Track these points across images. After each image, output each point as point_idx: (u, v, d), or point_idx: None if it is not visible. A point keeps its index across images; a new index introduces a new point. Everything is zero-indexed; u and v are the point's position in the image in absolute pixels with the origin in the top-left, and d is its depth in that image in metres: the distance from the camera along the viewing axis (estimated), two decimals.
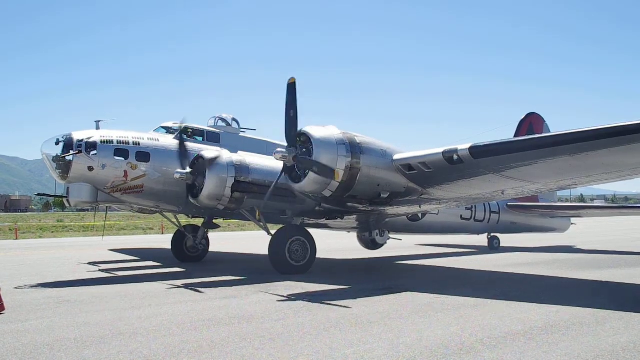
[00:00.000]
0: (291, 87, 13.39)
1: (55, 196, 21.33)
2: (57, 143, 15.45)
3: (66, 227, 48.71)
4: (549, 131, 23.75)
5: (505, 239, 24.98)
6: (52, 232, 43.71)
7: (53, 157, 15.40)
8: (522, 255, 21.48)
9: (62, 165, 15.26)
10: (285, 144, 13.83)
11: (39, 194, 25.77)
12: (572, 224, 26.83)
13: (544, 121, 25.53)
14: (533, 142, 12.04)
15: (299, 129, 13.61)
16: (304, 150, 13.51)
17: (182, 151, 15.86)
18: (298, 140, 13.59)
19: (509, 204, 23.42)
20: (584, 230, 35.90)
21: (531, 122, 25.00)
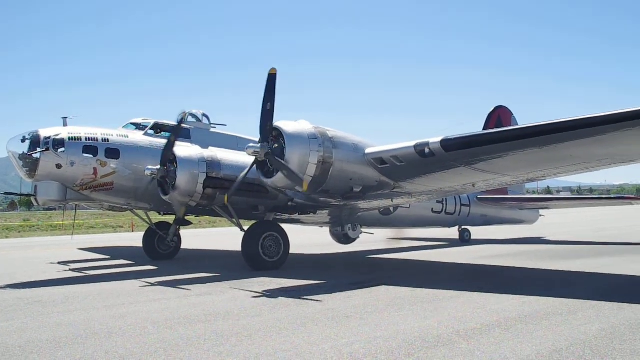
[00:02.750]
0: (271, 78, 13.21)
1: (22, 195, 20.98)
2: (24, 140, 15.20)
3: (33, 226, 47.93)
4: (517, 124, 24.01)
5: (476, 231, 25.23)
6: (19, 231, 43.00)
7: (19, 154, 15.13)
8: (492, 247, 21.73)
9: (29, 163, 15.00)
10: (257, 139, 13.75)
11: (5, 193, 25.27)
12: (540, 215, 27.21)
13: (512, 114, 25.83)
14: (504, 134, 12.13)
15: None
16: (276, 145, 13.45)
17: (169, 145, 15.42)
18: (270, 135, 13.52)
19: (479, 196, 23.65)
20: (552, 222, 36.44)
21: (499, 115, 25.27)
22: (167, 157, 15.23)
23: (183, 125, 17.50)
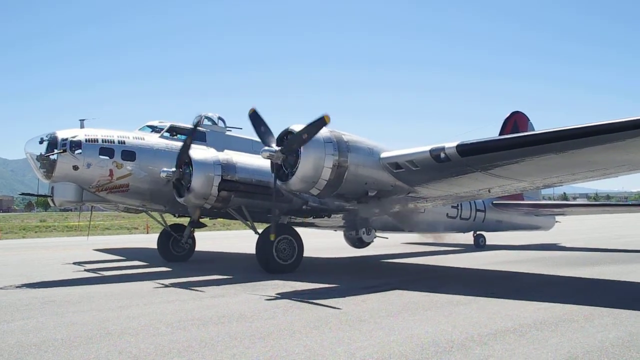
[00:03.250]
0: (253, 116, 13.80)
1: (39, 195, 21.12)
2: (41, 142, 15.35)
3: (49, 227, 48.29)
4: (534, 129, 23.86)
5: (491, 237, 25.06)
6: (36, 232, 43.33)
7: (37, 156, 15.29)
8: (507, 253, 21.58)
9: (47, 165, 15.15)
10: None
11: (22, 194, 25.46)
12: (556, 221, 27.00)
13: (529, 120, 25.67)
14: (520, 140, 12.07)
15: (285, 127, 13.55)
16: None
17: (185, 148, 15.46)
18: (285, 139, 13.51)
19: (494, 202, 23.52)
20: (568, 228, 36.15)
21: (516, 121, 25.13)
22: (183, 159, 15.29)
23: (199, 128, 17.56)
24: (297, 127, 13.36)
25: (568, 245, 25.50)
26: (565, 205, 30.35)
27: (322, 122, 12.73)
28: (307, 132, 12.90)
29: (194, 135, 15.75)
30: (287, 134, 13.44)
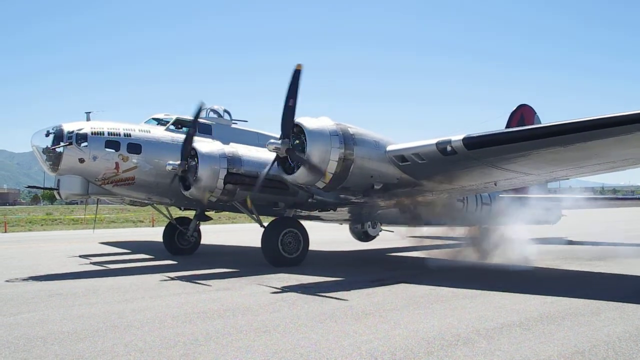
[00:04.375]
0: (296, 74, 13.12)
1: (45, 188, 21.22)
2: (47, 135, 15.37)
3: (55, 220, 48.45)
4: (540, 123, 23.76)
5: None
6: (42, 225, 43.45)
7: (43, 149, 15.31)
8: None
9: (53, 157, 15.17)
10: (277, 135, 13.76)
11: (28, 187, 25.61)
12: (563, 215, 26.89)
13: (535, 113, 25.54)
14: (527, 133, 12.04)
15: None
16: (297, 141, 13.43)
17: (188, 141, 15.47)
18: (291, 131, 13.50)
19: (500, 195, 23.42)
20: (575, 222, 36.01)
21: (522, 114, 25.00)
22: (188, 151, 15.30)
23: (204, 120, 17.57)
24: (304, 120, 13.34)
25: (574, 239, 25.42)
26: (571, 198, 30.23)
27: (297, 73, 12.99)
28: (290, 95, 13.08)
29: (196, 125, 15.74)
30: (294, 127, 13.41)
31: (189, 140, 15.33)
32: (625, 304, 9.52)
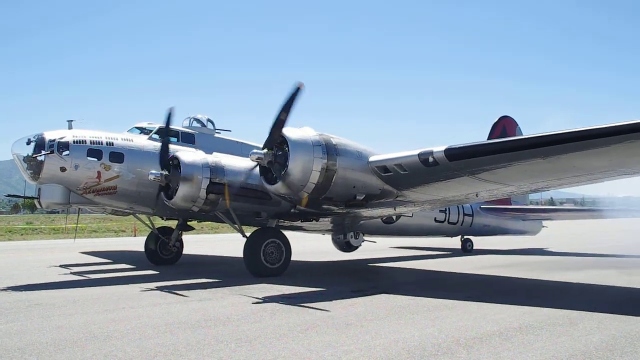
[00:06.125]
0: (295, 91, 13.14)
1: (25, 197, 20.99)
2: (29, 143, 15.23)
3: (36, 229, 47.94)
4: (522, 134, 24.00)
5: (478, 241, 25.18)
6: (22, 234, 43.00)
7: (24, 157, 15.17)
8: (494, 257, 21.70)
9: (34, 166, 15.04)
10: (261, 145, 13.77)
11: (8, 195, 25.35)
12: (543, 226, 27.16)
13: (517, 124, 25.83)
14: (508, 144, 12.13)
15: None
16: (280, 152, 13.46)
17: (164, 150, 15.53)
18: (275, 142, 13.51)
19: (482, 206, 23.63)
20: (555, 233, 36.33)
21: (504, 125, 25.28)
22: (166, 161, 15.28)
23: (188, 130, 17.57)
24: (287, 130, 13.36)
25: (555, 250, 25.67)
26: (552, 210, 30.60)
27: (297, 91, 13.01)
28: (285, 109, 13.11)
29: (167, 130, 15.81)
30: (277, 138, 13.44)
31: (164, 149, 15.35)
32: (602, 314, 9.64)
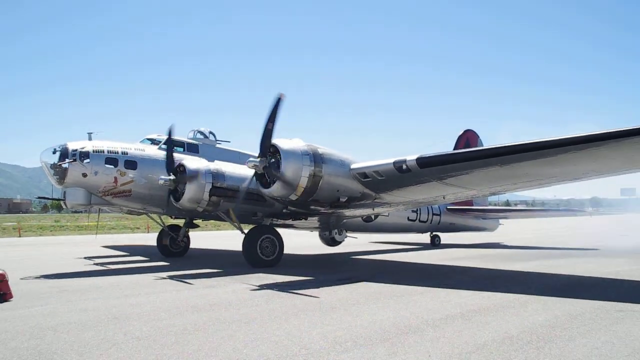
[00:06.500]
0: (277, 102, 13.22)
1: (53, 199, 20.93)
2: (55, 152, 15.28)
3: (63, 226, 47.58)
4: (482, 146, 24.17)
5: (445, 237, 25.31)
6: (51, 231, 42.64)
7: (51, 164, 15.19)
8: (459, 250, 21.80)
9: (59, 172, 15.05)
10: (256, 154, 13.85)
11: (39, 197, 25.31)
12: (500, 224, 27.35)
13: (478, 137, 26.01)
14: (470, 154, 12.25)
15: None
16: (273, 160, 13.55)
17: (169, 158, 15.65)
18: (268, 151, 13.61)
19: (448, 207, 23.77)
20: (510, 230, 36.60)
21: (467, 138, 25.45)
22: (177, 168, 15.38)
23: (192, 141, 17.65)
24: (280, 141, 13.47)
25: (509, 244, 25.84)
26: (507, 210, 30.80)
27: (278, 101, 13.11)
28: (270, 119, 13.20)
29: (170, 143, 15.97)
30: (270, 147, 13.54)
31: (170, 158, 15.52)
32: (547, 297, 9.83)
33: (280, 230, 15.94)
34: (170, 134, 16.14)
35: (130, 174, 15.70)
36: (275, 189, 13.48)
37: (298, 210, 15.29)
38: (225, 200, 15.20)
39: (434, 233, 24.37)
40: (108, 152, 15.55)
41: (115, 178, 15.48)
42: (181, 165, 15.39)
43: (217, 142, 18.54)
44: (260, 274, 13.33)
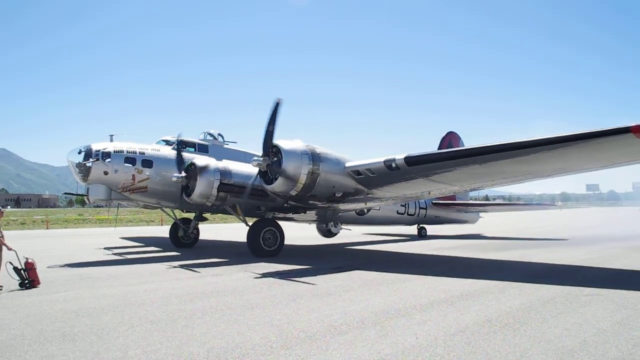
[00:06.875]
0: (276, 106, 13.20)
1: (77, 195, 20.87)
2: (79, 152, 15.24)
3: (85, 219, 47.49)
4: (463, 146, 24.12)
5: (431, 229, 25.30)
6: (75, 223, 42.58)
7: (76, 163, 15.16)
8: (443, 241, 21.77)
9: (83, 170, 15.01)
10: (260, 153, 13.79)
11: (65, 193, 25.23)
12: (480, 217, 27.32)
13: (460, 138, 25.96)
14: (453, 154, 12.24)
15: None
16: (275, 159, 13.49)
17: (179, 158, 15.63)
18: (271, 150, 13.56)
19: (433, 201, 23.72)
20: (489, 222, 36.59)
21: (450, 139, 25.39)
22: (189, 166, 15.33)
23: (202, 142, 17.59)
24: (281, 142, 13.41)
25: (488, 235, 25.81)
26: (487, 204, 30.76)
27: (277, 105, 13.07)
28: (271, 122, 13.15)
29: (179, 146, 16.09)
30: (272, 147, 13.48)
31: (180, 158, 15.56)
32: (523, 283, 9.76)
33: (281, 223, 15.86)
34: (179, 137, 16.37)
35: (147, 172, 15.63)
36: (277, 185, 13.42)
37: (298, 204, 15.23)
38: (232, 196, 15.12)
39: (420, 225, 24.34)
40: (127, 152, 15.49)
41: (133, 176, 15.41)
42: (192, 164, 15.32)
43: (225, 142, 18.46)
44: (263, 263, 13.27)
